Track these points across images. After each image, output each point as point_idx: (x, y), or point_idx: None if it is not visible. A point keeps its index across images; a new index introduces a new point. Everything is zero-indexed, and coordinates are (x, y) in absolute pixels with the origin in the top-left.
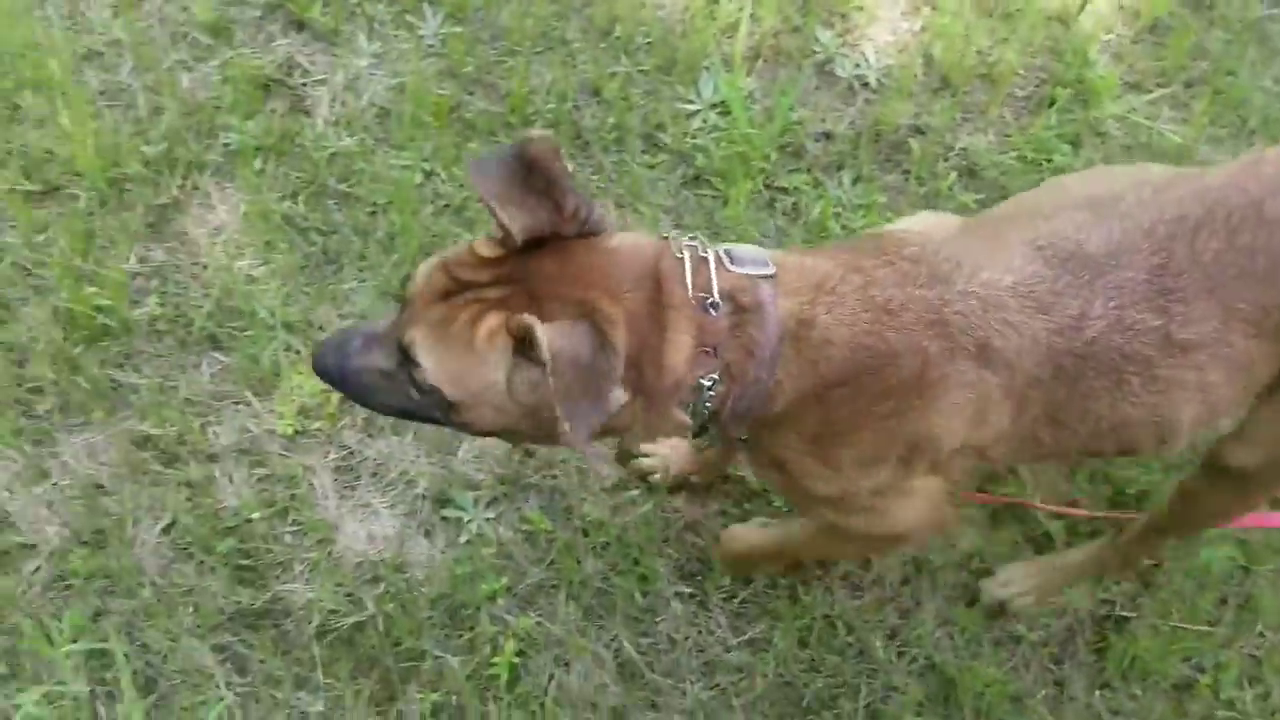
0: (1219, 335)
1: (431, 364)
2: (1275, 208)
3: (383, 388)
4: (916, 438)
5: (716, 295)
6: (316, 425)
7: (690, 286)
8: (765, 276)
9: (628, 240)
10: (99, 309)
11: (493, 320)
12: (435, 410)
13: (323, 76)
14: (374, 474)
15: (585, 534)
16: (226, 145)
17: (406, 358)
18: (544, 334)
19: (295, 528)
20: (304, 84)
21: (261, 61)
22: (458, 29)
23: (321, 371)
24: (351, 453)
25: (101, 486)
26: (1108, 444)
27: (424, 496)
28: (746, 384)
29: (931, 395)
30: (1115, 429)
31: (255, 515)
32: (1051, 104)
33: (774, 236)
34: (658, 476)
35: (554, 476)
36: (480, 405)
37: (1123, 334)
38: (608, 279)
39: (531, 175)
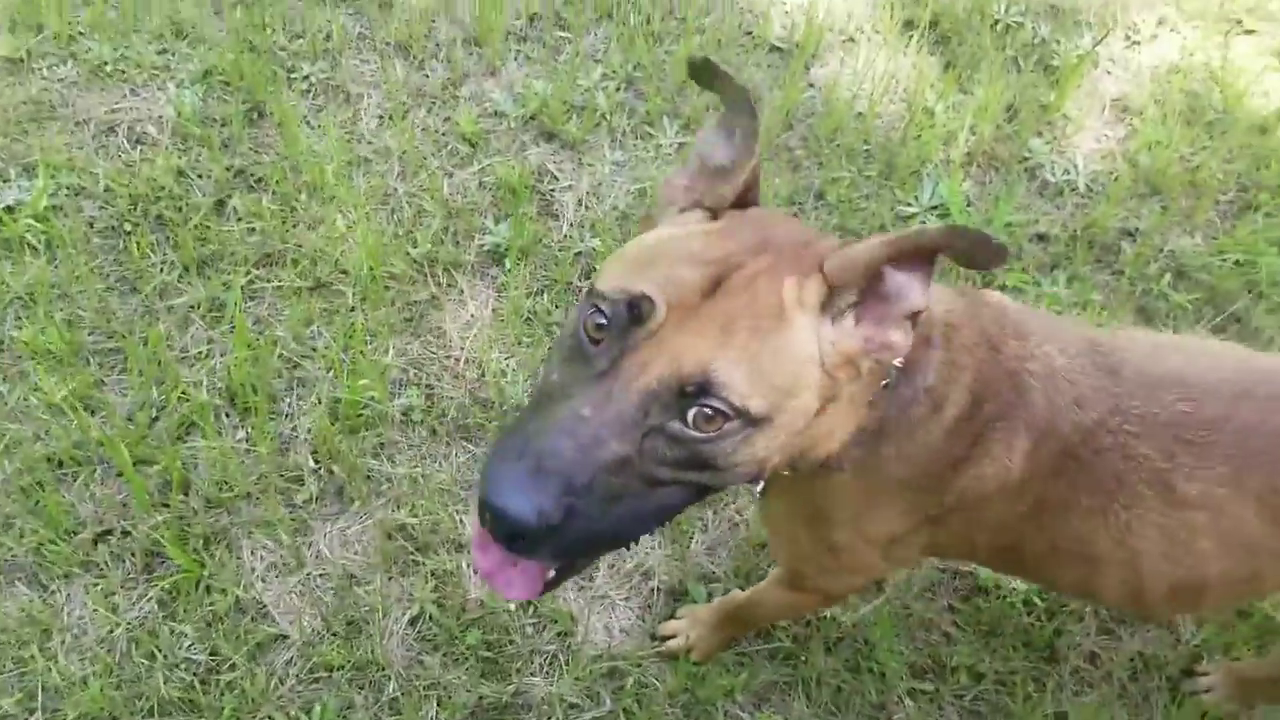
0: (1224, 504)
1: (741, 375)
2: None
3: (625, 489)
4: (956, 487)
5: None
6: None
7: None
8: None
9: None
10: (366, 400)
11: (792, 281)
12: (720, 459)
13: (570, 182)
14: (611, 565)
15: (819, 629)
16: (481, 246)
17: (684, 398)
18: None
19: (535, 619)
20: (553, 189)
21: (516, 168)
22: (693, 138)
23: (521, 528)
24: None
25: (354, 576)
26: (1072, 570)
27: (659, 589)
28: (913, 383)
29: (990, 443)
30: (1087, 558)
31: (510, 609)
32: (1255, 209)
33: None
34: (692, 652)
35: None
36: (791, 401)
37: (1125, 461)
38: (822, 246)
39: (755, 129)
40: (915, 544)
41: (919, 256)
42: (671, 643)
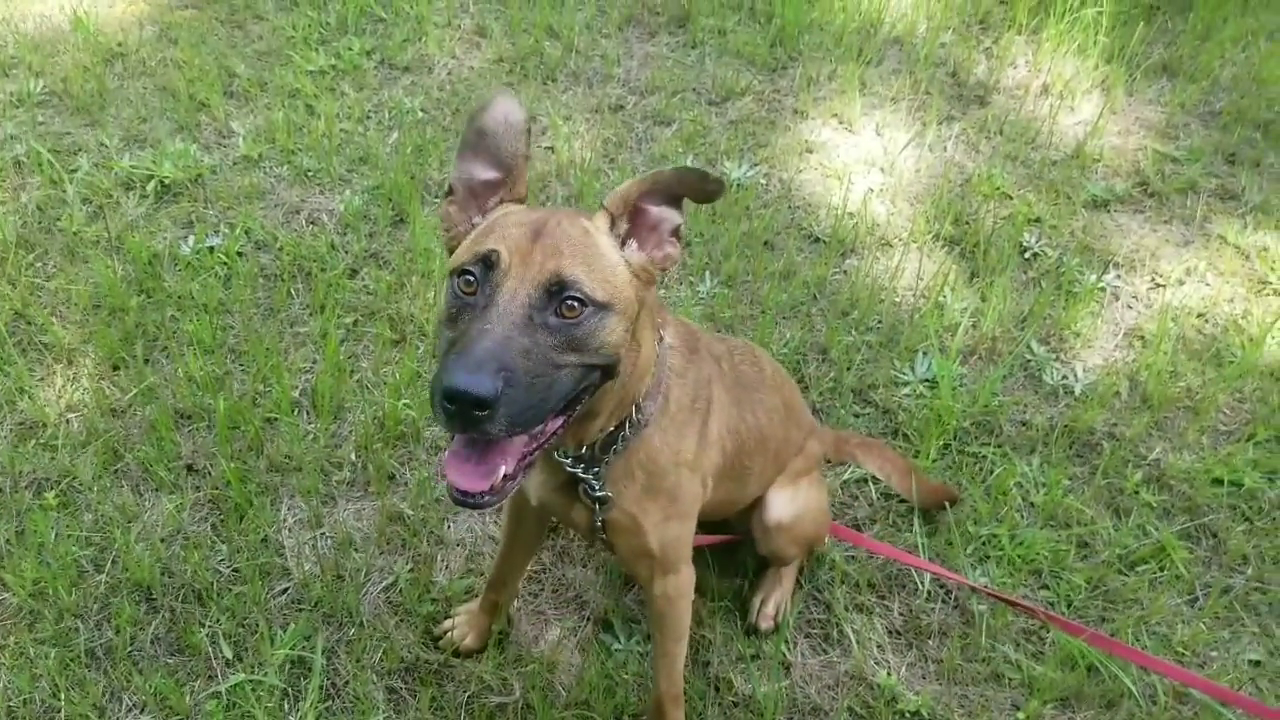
0: (767, 395)
1: (582, 273)
2: (766, 363)
3: (537, 372)
4: (704, 395)
5: None
6: None
7: None
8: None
9: None
10: (405, 418)
11: (587, 220)
12: (588, 340)
13: None
14: (555, 590)
15: (716, 690)
16: None
17: (551, 298)
18: (629, 186)
19: None
20: None
21: None
22: (726, 290)
23: (478, 398)
24: (544, 569)
25: (354, 543)
26: (756, 444)
27: (589, 618)
28: (664, 363)
29: (700, 363)
30: (763, 436)
31: (460, 592)
32: (1250, 438)
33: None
34: (468, 641)
35: (704, 636)
36: (620, 293)
37: (742, 371)
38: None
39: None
40: (710, 461)
41: (667, 193)
42: (454, 633)
